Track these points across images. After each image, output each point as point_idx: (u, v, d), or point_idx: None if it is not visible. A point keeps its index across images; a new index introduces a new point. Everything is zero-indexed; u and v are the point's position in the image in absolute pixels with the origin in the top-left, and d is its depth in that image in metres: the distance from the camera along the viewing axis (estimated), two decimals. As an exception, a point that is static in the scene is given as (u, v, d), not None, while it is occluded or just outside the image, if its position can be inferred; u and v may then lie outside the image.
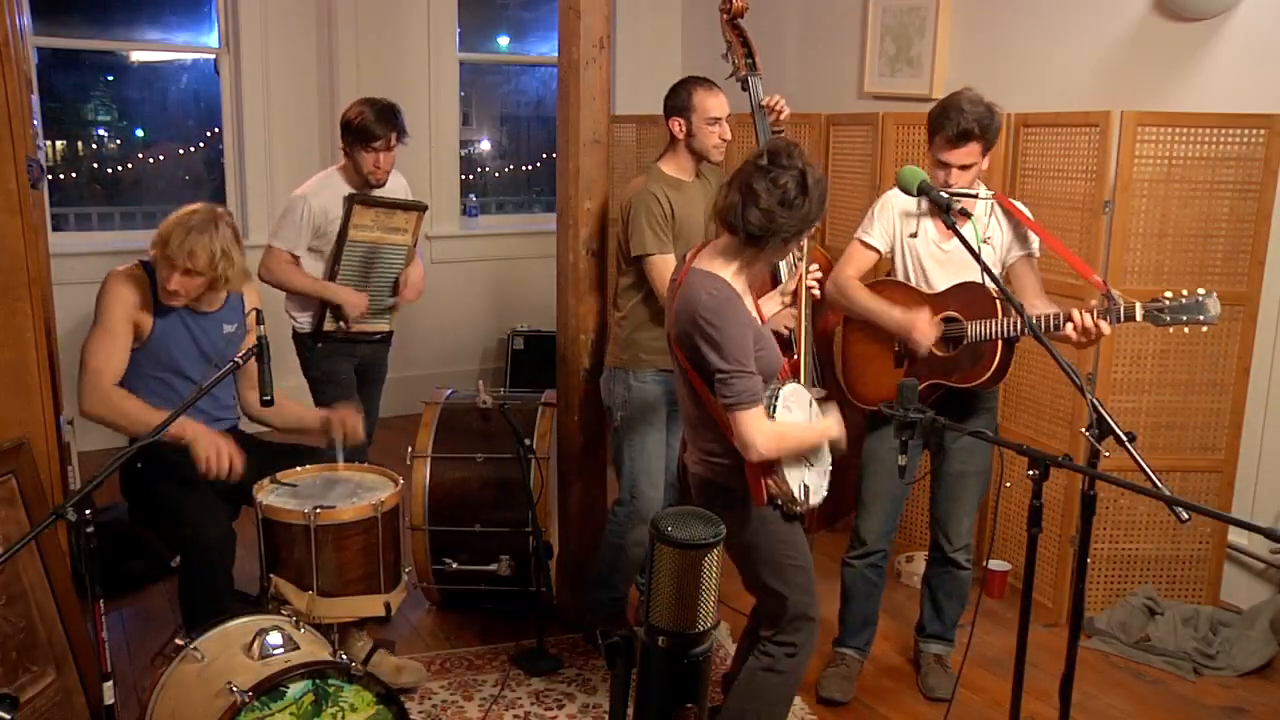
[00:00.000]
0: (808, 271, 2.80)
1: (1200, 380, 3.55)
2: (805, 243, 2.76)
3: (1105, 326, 2.65)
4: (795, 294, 2.75)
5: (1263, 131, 3.39)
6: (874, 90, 4.86)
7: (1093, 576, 3.63)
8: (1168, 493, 2.00)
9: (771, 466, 2.33)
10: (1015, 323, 2.76)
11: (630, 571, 3.34)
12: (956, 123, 2.82)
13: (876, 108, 4.50)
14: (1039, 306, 2.87)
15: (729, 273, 2.32)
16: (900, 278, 3.04)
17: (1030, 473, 2.11)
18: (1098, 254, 3.44)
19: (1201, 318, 2.45)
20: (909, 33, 4.65)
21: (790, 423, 2.32)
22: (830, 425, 2.43)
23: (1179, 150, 3.44)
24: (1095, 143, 3.43)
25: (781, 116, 3.19)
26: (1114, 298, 2.65)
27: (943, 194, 2.64)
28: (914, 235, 2.99)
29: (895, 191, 3.03)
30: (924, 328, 2.87)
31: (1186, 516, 1.96)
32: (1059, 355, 2.24)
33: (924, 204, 2.96)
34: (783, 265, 3.27)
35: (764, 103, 3.16)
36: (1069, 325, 2.67)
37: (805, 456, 2.39)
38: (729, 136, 3.10)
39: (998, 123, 2.87)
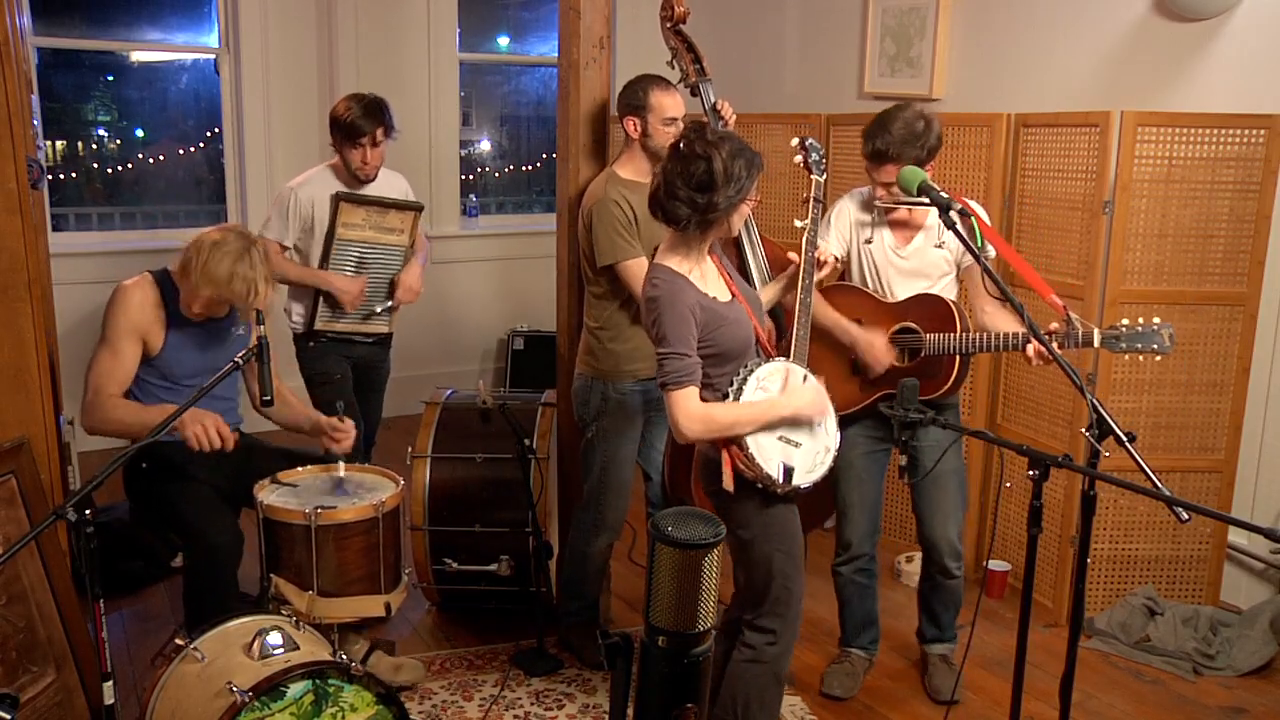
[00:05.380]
0: (820, 257, 2.76)
1: (1200, 380, 3.55)
2: (810, 211, 2.73)
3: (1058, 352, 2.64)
4: (798, 265, 2.72)
5: (1263, 131, 3.39)
6: (874, 90, 4.85)
7: (1093, 576, 3.63)
8: (1168, 493, 2.00)
9: (738, 449, 2.34)
10: (973, 338, 2.79)
11: (597, 578, 3.33)
12: (871, 143, 2.84)
13: (876, 108, 4.48)
14: (991, 313, 2.88)
15: (676, 260, 2.38)
16: (857, 283, 3.04)
17: (1030, 473, 2.11)
18: (1098, 254, 3.44)
19: (1155, 346, 2.49)
20: (909, 33, 4.65)
21: (722, 404, 2.34)
22: (774, 404, 2.37)
23: (1179, 150, 3.44)
24: (1095, 143, 3.43)
25: (730, 122, 3.16)
26: (1072, 322, 2.64)
27: (943, 194, 2.63)
28: (869, 242, 2.98)
29: (847, 198, 3.05)
30: (880, 353, 2.90)
31: (1186, 516, 1.96)
32: (1059, 355, 2.24)
33: (879, 212, 2.96)
34: (749, 252, 3.25)
35: (716, 105, 3.15)
36: (1029, 348, 2.69)
37: (786, 436, 2.39)
38: None
39: (930, 141, 2.81)
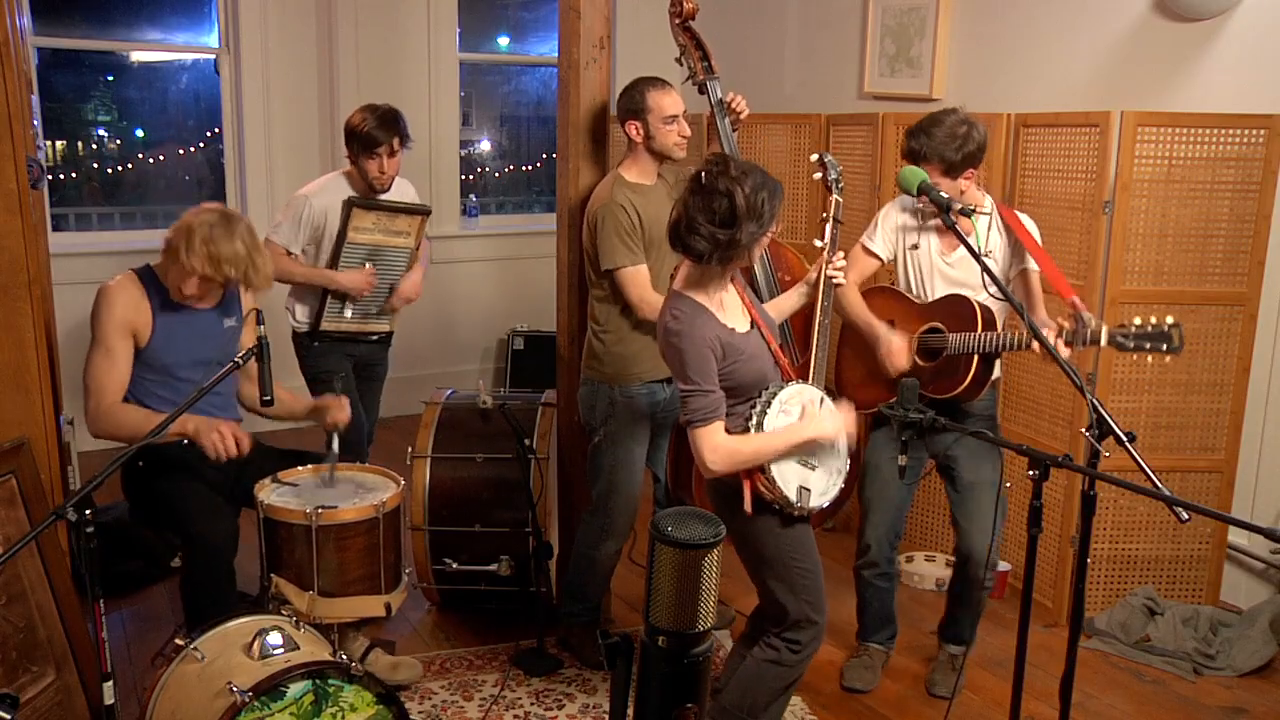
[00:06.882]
0: (829, 261, 2.72)
1: (1200, 380, 3.55)
2: (829, 231, 2.74)
3: (1064, 350, 2.65)
4: (817, 284, 2.72)
5: (1263, 131, 3.39)
6: (874, 90, 4.86)
7: (1093, 576, 3.63)
8: (1168, 493, 2.00)
9: (759, 472, 2.34)
10: (992, 338, 2.79)
11: (602, 581, 3.33)
12: (908, 142, 2.86)
13: (876, 108, 4.50)
14: (1041, 316, 2.90)
15: (696, 291, 2.36)
16: (902, 288, 3.05)
17: (1030, 473, 2.12)
18: (1098, 254, 3.44)
19: (1164, 346, 2.47)
20: (909, 33, 4.65)
21: (746, 436, 2.33)
22: (799, 432, 2.36)
23: (1179, 150, 3.44)
24: (1095, 143, 3.43)
25: (741, 116, 3.16)
26: (1083, 320, 2.64)
27: (943, 194, 2.64)
28: (915, 247, 2.99)
29: (898, 201, 3.04)
30: (896, 352, 2.92)
31: (1186, 516, 1.96)
32: (1059, 355, 2.24)
33: (927, 218, 2.96)
34: (759, 270, 3.26)
35: (724, 99, 3.14)
36: (1035, 344, 2.67)
37: (804, 459, 2.39)
38: (688, 133, 3.04)
39: (968, 148, 2.82)
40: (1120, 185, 3.42)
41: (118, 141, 5.62)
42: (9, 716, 1.85)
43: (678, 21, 3.21)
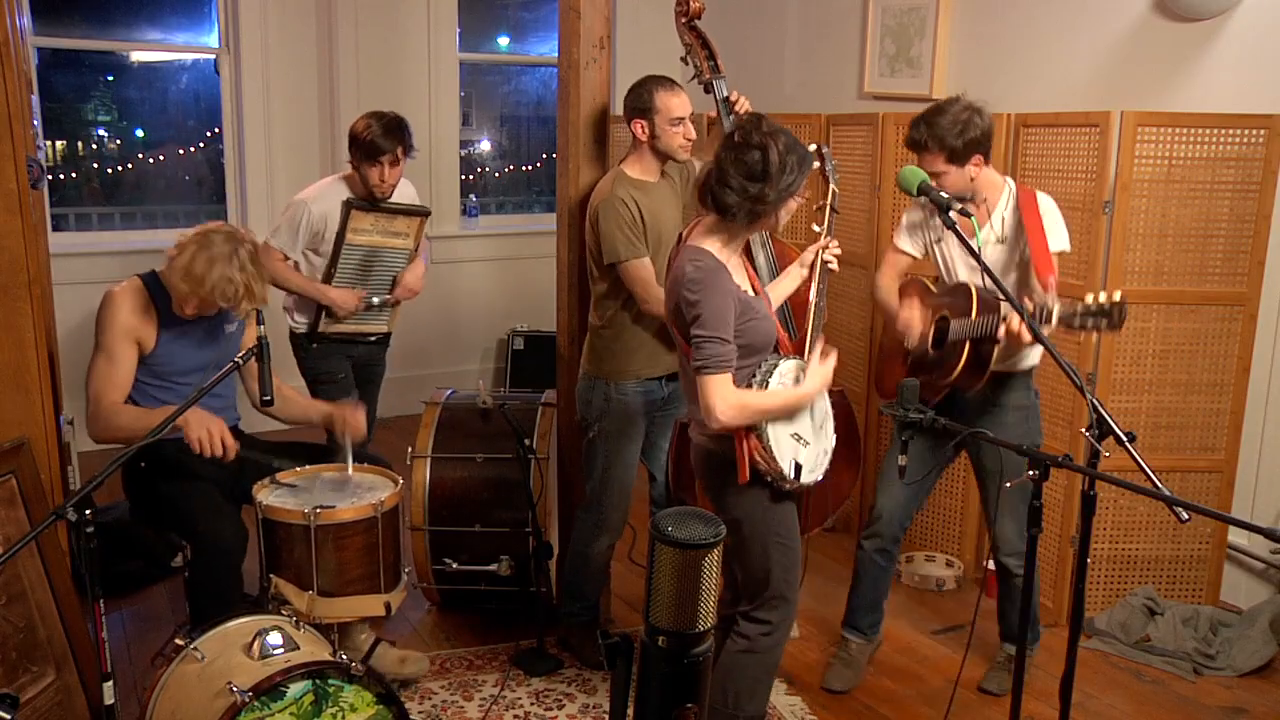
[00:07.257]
0: (825, 246, 2.74)
1: (1200, 380, 3.55)
2: (827, 218, 2.76)
3: (1026, 334, 2.63)
4: (812, 267, 2.72)
5: (1263, 131, 3.39)
6: (874, 90, 4.86)
7: (1093, 576, 3.63)
8: (1168, 493, 2.00)
9: (757, 441, 2.35)
10: (980, 324, 2.78)
11: (598, 578, 3.33)
12: (911, 132, 2.87)
13: (876, 108, 4.50)
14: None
15: (715, 246, 2.38)
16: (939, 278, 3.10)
17: (1030, 473, 2.12)
18: (1098, 254, 3.44)
19: (1105, 323, 2.48)
20: (909, 33, 4.65)
21: (755, 391, 2.35)
22: (799, 391, 2.39)
23: (1179, 150, 3.44)
24: (1095, 143, 3.43)
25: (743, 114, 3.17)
26: (1043, 304, 2.63)
27: (942, 194, 2.64)
28: (939, 241, 3.03)
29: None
30: (908, 318, 2.96)
31: (1186, 516, 1.96)
32: (1059, 355, 2.24)
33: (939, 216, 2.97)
34: (756, 246, 3.27)
35: (729, 96, 3.15)
36: (1001, 328, 2.71)
37: (798, 434, 2.40)
38: (693, 136, 3.04)
39: (971, 134, 2.82)
40: (1120, 185, 3.42)
41: (118, 141, 5.62)
42: (9, 716, 1.85)
43: (684, 20, 3.22)
